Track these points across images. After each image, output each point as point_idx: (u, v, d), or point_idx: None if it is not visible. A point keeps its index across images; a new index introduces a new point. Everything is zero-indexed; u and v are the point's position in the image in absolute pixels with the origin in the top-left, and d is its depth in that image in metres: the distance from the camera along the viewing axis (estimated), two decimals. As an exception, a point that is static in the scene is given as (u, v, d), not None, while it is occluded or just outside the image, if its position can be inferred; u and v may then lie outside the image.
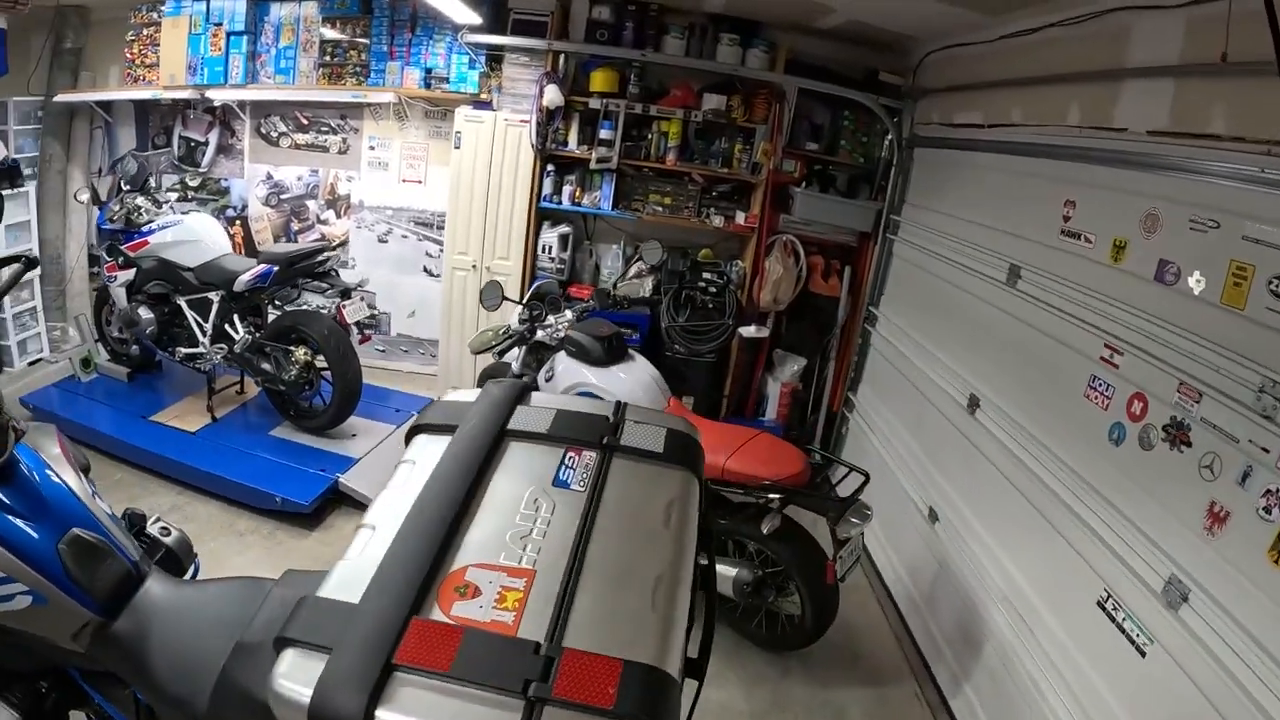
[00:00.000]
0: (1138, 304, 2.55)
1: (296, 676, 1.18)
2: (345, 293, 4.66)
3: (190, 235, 4.92)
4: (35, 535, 1.64)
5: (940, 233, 4.19)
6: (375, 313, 4.76)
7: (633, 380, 3.62)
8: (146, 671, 1.66)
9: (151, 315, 4.87)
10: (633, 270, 5.30)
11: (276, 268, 4.56)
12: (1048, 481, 2.88)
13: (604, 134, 5.09)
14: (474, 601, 1.28)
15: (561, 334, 3.88)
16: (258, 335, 4.72)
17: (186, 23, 5.63)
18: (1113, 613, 2.44)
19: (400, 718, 1.12)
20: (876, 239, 4.99)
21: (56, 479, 1.78)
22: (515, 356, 4.10)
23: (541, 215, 5.30)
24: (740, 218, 5.18)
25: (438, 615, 1.25)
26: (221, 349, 4.77)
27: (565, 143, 5.21)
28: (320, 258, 4.70)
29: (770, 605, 3.46)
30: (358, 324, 4.64)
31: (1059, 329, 2.97)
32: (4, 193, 5.63)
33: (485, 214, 5.22)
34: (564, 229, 5.31)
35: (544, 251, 5.26)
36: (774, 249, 5.15)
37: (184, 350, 4.94)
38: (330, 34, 5.55)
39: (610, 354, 3.66)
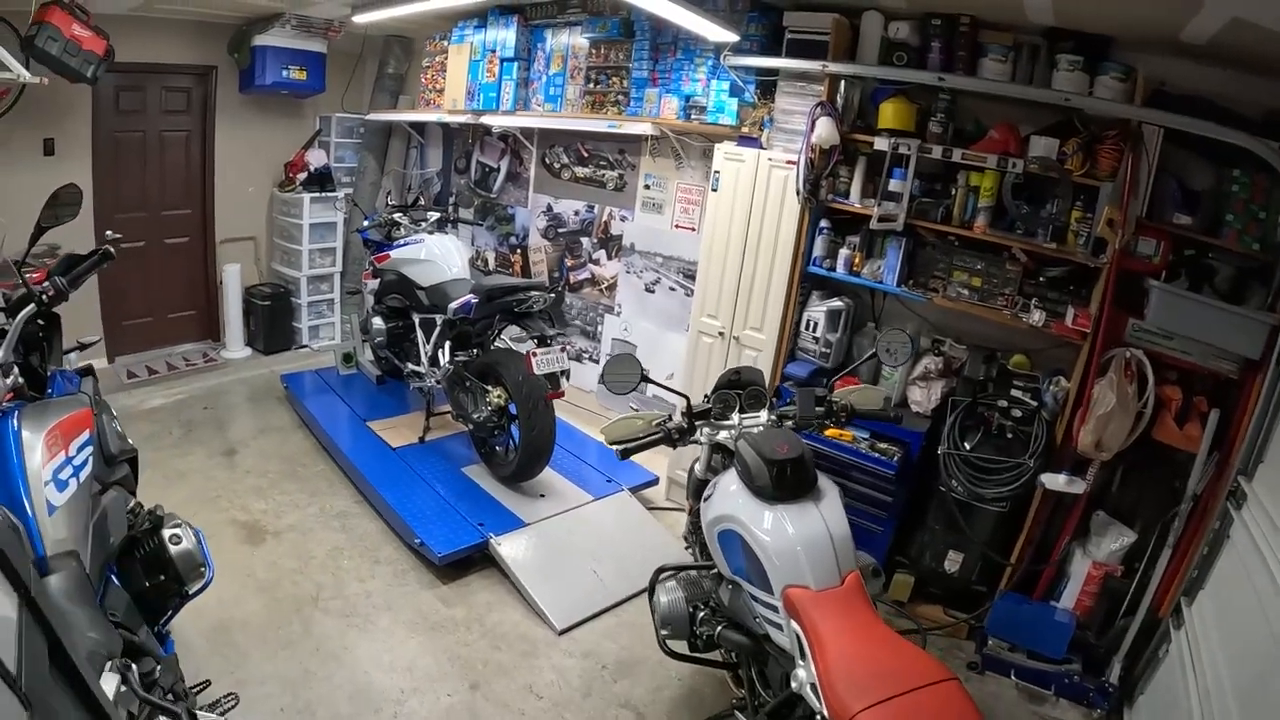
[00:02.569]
0: None
1: None
2: (542, 339, 4.25)
3: (427, 255, 4.90)
4: None
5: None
6: (568, 368, 4.25)
7: (801, 535, 2.40)
8: None
9: (384, 326, 5.14)
10: (919, 368, 4.13)
11: (477, 299, 4.37)
12: None
13: (894, 184, 3.89)
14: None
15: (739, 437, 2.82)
16: (461, 366, 4.60)
17: (468, 50, 5.56)
18: None
19: None
20: (1268, 372, 3.09)
21: (17, 458, 1.96)
22: (702, 453, 3.06)
23: (808, 282, 4.31)
24: (1069, 316, 3.62)
25: None
26: (435, 373, 4.76)
27: (845, 193, 4.10)
28: (522, 295, 4.34)
29: None
30: (549, 377, 4.18)
31: None
32: (312, 195, 6.24)
33: (740, 272, 4.38)
34: (836, 304, 4.23)
35: (807, 328, 4.26)
36: (1109, 368, 3.50)
37: (410, 366, 5.09)
38: (592, 60, 5.13)
39: (782, 486, 2.47)
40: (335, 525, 4.32)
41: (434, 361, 4.81)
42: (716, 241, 4.46)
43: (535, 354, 4.08)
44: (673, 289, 5.23)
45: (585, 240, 5.68)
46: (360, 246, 6.03)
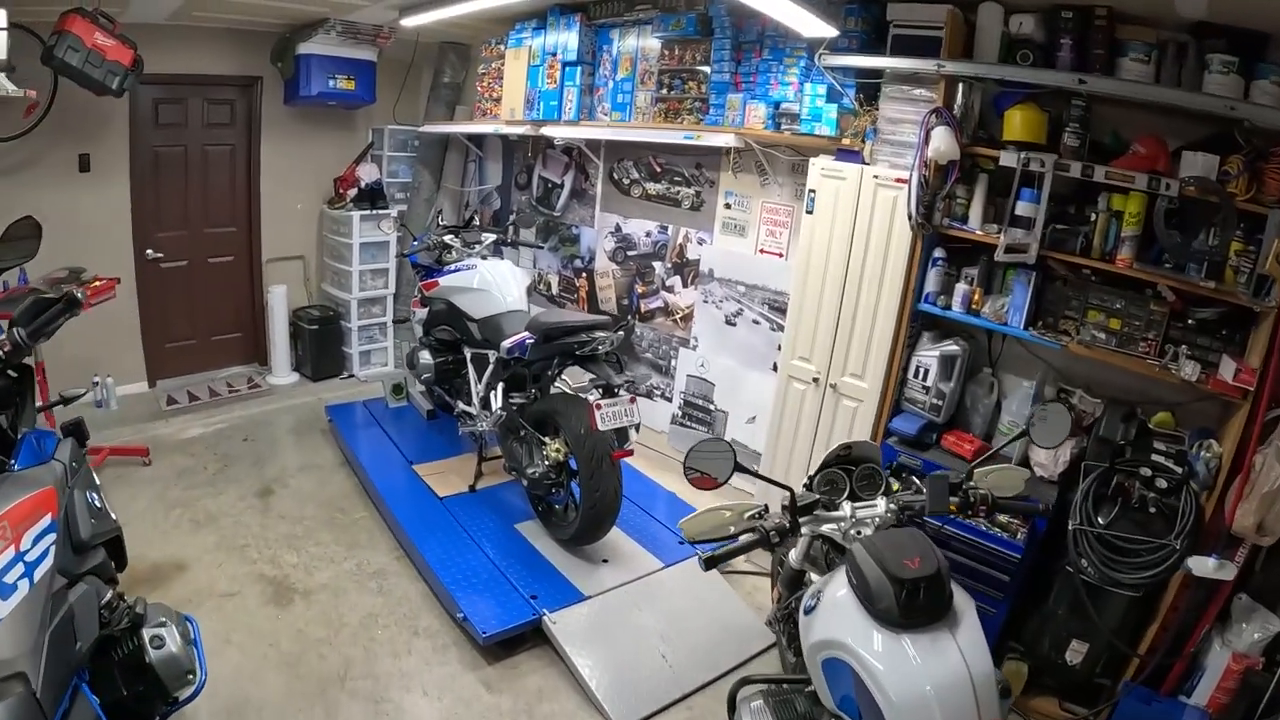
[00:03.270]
0: None
1: None
2: (608, 389, 3.66)
3: (480, 283, 4.41)
4: None
5: None
6: (638, 421, 3.64)
7: (934, 676, 1.79)
8: None
9: (431, 361, 4.67)
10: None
11: (533, 339, 3.82)
12: None
13: (1021, 208, 3.23)
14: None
15: (856, 534, 2.26)
16: (515, 412, 4.09)
17: (526, 55, 5.10)
18: None
19: None
20: None
21: None
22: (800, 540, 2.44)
23: (917, 322, 3.68)
24: (1227, 370, 2.91)
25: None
26: (486, 416, 4.24)
27: (963, 218, 3.46)
28: (585, 336, 3.76)
29: None
30: (616, 432, 3.60)
31: None
32: (362, 213, 5.90)
33: (839, 309, 3.78)
34: (951, 347, 3.60)
35: (916, 375, 3.64)
36: (1274, 435, 2.81)
37: (460, 405, 4.63)
38: (665, 63, 4.55)
39: (912, 611, 1.85)
40: (372, 586, 3.87)
41: (485, 403, 4.29)
42: (812, 272, 3.86)
43: (600, 406, 3.50)
44: (757, 322, 4.63)
45: (658, 265, 5.13)
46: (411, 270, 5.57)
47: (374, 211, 6.07)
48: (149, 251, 5.77)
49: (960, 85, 3.39)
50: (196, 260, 6.09)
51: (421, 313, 4.88)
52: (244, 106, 6.01)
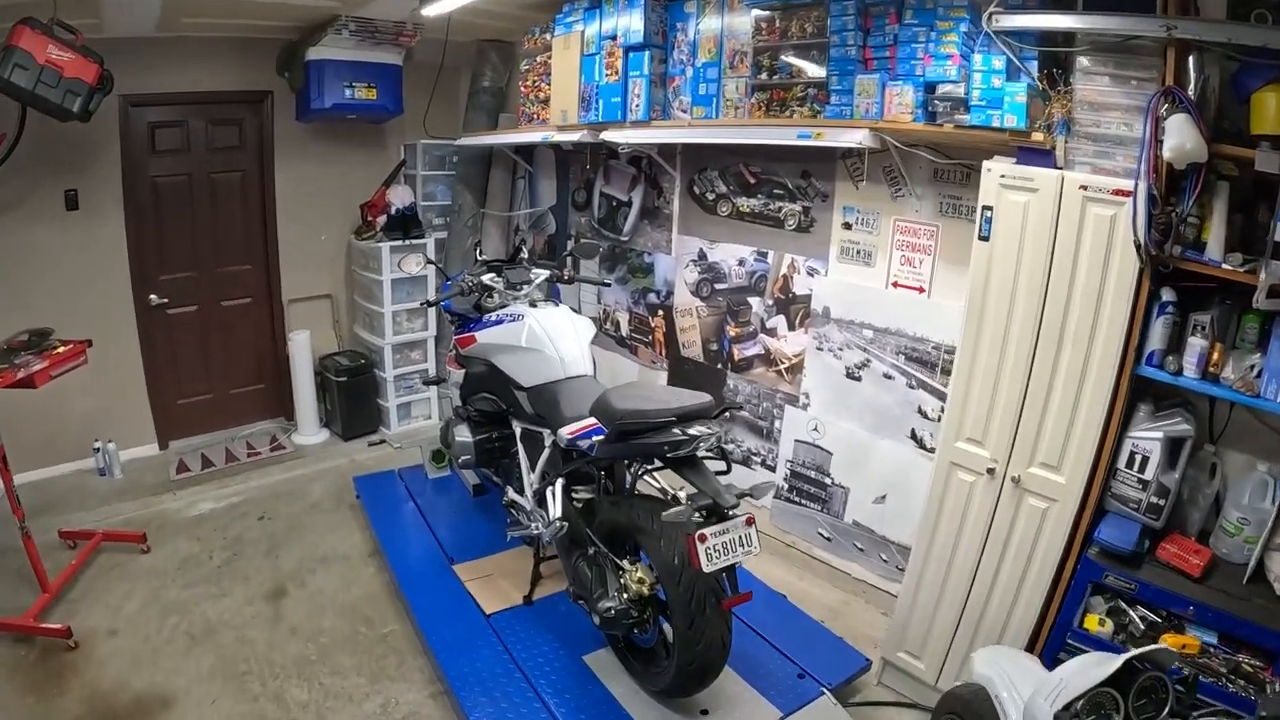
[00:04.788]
0: None
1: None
2: (717, 511, 2.48)
3: (529, 341, 3.33)
4: None
5: None
6: (756, 549, 2.50)
7: None
8: None
9: (470, 440, 3.63)
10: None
11: (605, 433, 2.72)
12: None
13: None
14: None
15: None
16: (579, 516, 3.08)
17: (578, 42, 4.12)
18: None
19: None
20: None
21: None
22: None
23: (1139, 390, 2.61)
24: None
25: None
26: (541, 517, 3.24)
27: (1198, 244, 2.39)
28: (678, 435, 2.57)
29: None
30: (727, 572, 2.53)
31: None
32: (394, 243, 5.25)
33: (1029, 374, 2.71)
34: (1179, 425, 2.52)
35: (1130, 465, 2.58)
36: None
37: (510, 494, 3.64)
38: (763, 39, 3.48)
39: None
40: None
41: (540, 499, 3.28)
42: (989, 323, 2.78)
43: (705, 537, 2.40)
44: (889, 376, 3.58)
45: (755, 301, 4.10)
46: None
47: (407, 242, 5.18)
48: (152, 297, 5.07)
49: (1191, 58, 2.36)
50: (208, 304, 5.35)
51: (458, 374, 3.88)
52: (254, 126, 5.23)
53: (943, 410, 3.40)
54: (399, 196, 5.31)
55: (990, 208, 2.71)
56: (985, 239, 2.74)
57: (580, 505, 3.12)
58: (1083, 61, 2.59)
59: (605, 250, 4.82)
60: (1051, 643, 2.74)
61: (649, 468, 2.87)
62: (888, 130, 3.07)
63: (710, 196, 4.21)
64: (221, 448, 5.37)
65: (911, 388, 3.50)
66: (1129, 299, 2.49)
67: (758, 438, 4.19)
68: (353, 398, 5.49)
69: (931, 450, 3.47)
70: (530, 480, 3.38)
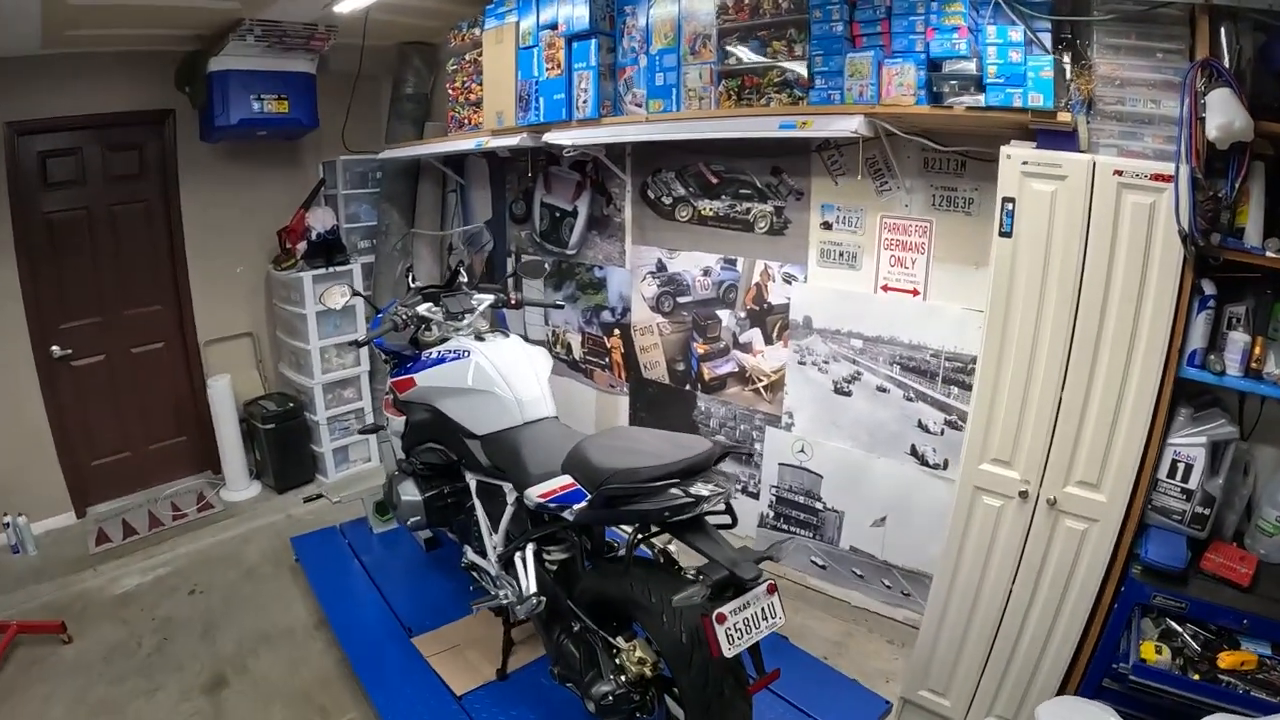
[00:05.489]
0: None
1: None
2: (734, 584, 2.03)
3: (476, 380, 2.85)
4: None
5: None
6: (781, 619, 2.08)
7: None
8: None
9: (418, 499, 3.13)
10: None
11: (587, 499, 2.27)
12: None
13: None
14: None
15: None
16: (557, 584, 2.64)
17: (513, 33, 3.71)
18: None
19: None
20: None
21: None
22: None
23: (1181, 393, 2.33)
24: None
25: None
26: (510, 586, 2.81)
27: (1236, 231, 2.19)
28: (679, 495, 2.11)
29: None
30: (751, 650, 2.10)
31: None
32: (316, 272, 4.79)
33: (1062, 383, 2.40)
34: (1223, 428, 2.27)
35: (1173, 475, 2.31)
36: None
37: (469, 554, 3.17)
38: (729, 19, 3.11)
39: None
40: None
41: (508, 564, 2.85)
42: (1014, 328, 2.45)
43: (724, 616, 1.97)
44: (883, 389, 3.25)
45: (724, 314, 3.74)
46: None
47: (331, 269, 4.70)
48: (55, 348, 4.53)
49: (1224, 26, 2.14)
50: (117, 352, 4.82)
51: (398, 421, 3.37)
52: (155, 150, 4.71)
53: (946, 423, 3.09)
54: (319, 219, 4.82)
55: (1012, 199, 2.38)
56: (1007, 235, 2.41)
57: (555, 569, 2.70)
58: (1102, 35, 2.33)
59: (551, 266, 4.40)
60: (1091, 674, 2.49)
61: (644, 535, 2.44)
62: (887, 115, 2.72)
63: (667, 200, 3.83)
64: (144, 511, 4.82)
65: (909, 400, 3.17)
66: (1172, 295, 2.22)
67: (736, 463, 3.82)
68: (284, 445, 4.98)
69: (935, 467, 3.17)
70: (494, 543, 2.94)
